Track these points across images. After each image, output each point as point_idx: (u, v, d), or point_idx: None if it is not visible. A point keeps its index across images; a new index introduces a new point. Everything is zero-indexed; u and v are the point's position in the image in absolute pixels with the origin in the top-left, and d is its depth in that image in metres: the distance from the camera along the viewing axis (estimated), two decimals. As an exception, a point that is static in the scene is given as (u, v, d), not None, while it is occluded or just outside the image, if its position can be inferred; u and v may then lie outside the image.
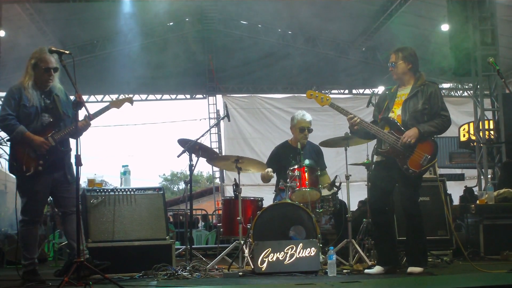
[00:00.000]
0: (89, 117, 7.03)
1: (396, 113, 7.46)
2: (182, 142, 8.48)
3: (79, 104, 6.35)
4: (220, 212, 10.97)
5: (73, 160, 6.40)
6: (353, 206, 12.27)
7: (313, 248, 7.38)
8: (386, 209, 7.50)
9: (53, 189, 7.07)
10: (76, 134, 7.06)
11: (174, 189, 61.13)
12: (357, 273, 7.63)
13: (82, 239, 6.56)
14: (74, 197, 7.09)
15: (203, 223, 19.82)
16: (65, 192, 7.10)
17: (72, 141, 7.20)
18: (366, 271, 7.51)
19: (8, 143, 7.02)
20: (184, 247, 9.56)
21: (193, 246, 9.06)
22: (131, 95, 7.81)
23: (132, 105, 7.67)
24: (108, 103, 7.49)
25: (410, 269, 7.22)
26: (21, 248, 7.05)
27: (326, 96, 7.71)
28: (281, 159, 9.43)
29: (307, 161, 8.83)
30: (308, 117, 9.43)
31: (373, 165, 8.06)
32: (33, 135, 6.81)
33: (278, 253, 7.34)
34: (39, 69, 7.00)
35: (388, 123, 7.43)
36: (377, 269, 7.41)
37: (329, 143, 9.15)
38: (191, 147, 8.41)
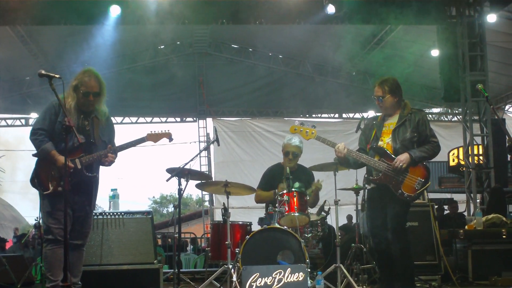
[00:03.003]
0: (112, 150, 6.92)
1: (385, 141, 7.47)
2: (171, 170, 8.45)
3: (69, 128, 6.27)
4: (209, 235, 10.94)
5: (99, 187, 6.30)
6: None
7: (301, 273, 7.34)
8: (387, 235, 7.45)
9: (72, 212, 6.78)
10: (103, 164, 6.99)
11: (164, 211, 60.97)
12: (345, 298, 7.62)
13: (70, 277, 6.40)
14: (87, 231, 7.03)
15: (191, 247, 19.75)
16: (78, 223, 6.87)
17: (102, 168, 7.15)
18: None
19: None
20: (172, 271, 9.53)
21: (181, 270, 9.03)
22: (169, 131, 7.45)
23: (170, 141, 7.39)
24: (144, 136, 7.22)
25: (398, 294, 7.20)
26: (45, 270, 6.79)
27: (311, 130, 7.71)
28: (273, 180, 9.43)
29: (296, 184, 8.82)
30: (294, 142, 9.35)
31: (365, 196, 8.01)
32: (58, 155, 6.56)
33: (266, 278, 7.29)
34: (78, 92, 6.84)
35: (378, 152, 7.43)
36: None
37: (318, 168, 9.13)
38: (180, 171, 8.38)
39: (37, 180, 6.77)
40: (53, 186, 6.67)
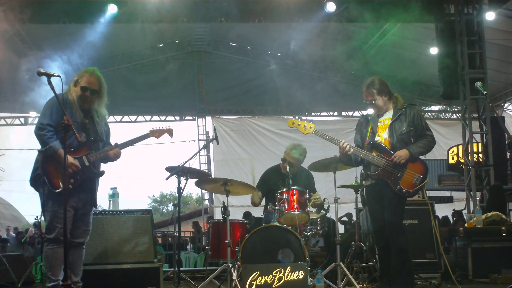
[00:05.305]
0: (119, 146, 7.00)
1: (382, 137, 7.51)
2: (170, 169, 8.45)
3: (67, 127, 6.23)
4: (206, 232, 10.93)
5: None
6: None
7: (301, 271, 7.34)
8: (386, 230, 7.46)
9: (76, 210, 6.81)
10: (106, 160, 7.05)
11: (164, 210, 60.97)
12: (346, 296, 7.61)
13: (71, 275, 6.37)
14: (89, 229, 7.02)
15: (191, 245, 19.75)
16: (81, 221, 6.89)
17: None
18: None
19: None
20: (172, 269, 9.52)
21: (181, 269, 9.01)
22: (171, 128, 7.61)
23: (171, 137, 7.57)
24: (148, 132, 7.39)
25: (398, 292, 7.19)
26: (46, 269, 6.76)
27: (309, 124, 7.68)
28: (271, 182, 9.41)
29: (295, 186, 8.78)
30: (294, 153, 9.23)
31: (364, 192, 8.04)
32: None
33: (266, 276, 7.30)
34: (78, 87, 6.87)
35: (375, 148, 7.45)
36: None
37: (317, 167, 9.09)
38: (180, 170, 8.38)
39: (46, 178, 6.64)
40: (63, 185, 6.60)
